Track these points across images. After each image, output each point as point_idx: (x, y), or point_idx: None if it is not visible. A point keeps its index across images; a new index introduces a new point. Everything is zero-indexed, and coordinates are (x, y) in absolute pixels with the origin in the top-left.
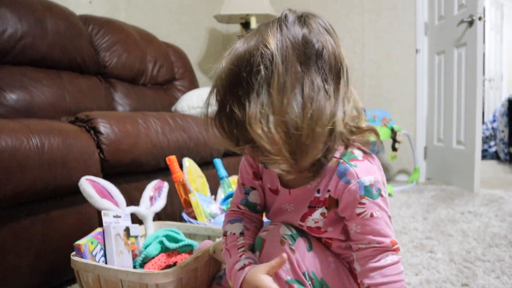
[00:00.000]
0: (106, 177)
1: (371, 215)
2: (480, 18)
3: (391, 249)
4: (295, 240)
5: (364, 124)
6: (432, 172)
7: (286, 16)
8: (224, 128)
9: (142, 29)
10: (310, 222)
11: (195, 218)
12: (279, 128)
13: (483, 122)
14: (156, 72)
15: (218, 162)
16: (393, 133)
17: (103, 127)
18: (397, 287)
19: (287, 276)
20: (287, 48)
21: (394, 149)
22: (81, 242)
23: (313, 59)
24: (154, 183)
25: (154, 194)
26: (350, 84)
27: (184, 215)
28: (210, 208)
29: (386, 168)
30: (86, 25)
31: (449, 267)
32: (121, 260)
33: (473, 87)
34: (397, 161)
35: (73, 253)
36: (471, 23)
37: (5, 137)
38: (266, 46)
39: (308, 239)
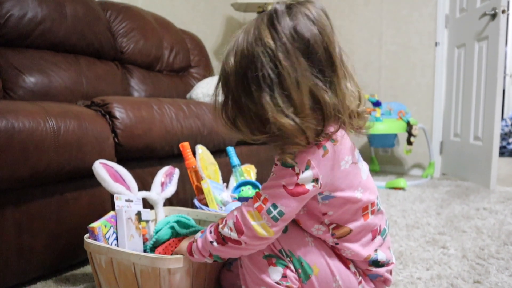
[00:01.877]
0: (120, 161)
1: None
2: (503, 11)
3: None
4: None
5: (361, 109)
6: (447, 168)
7: (276, 10)
8: (235, 122)
9: (159, 16)
10: None
11: (206, 205)
12: (298, 118)
13: (502, 118)
14: (172, 59)
15: (231, 150)
16: (409, 126)
17: (118, 112)
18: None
19: (264, 252)
20: (288, 46)
21: (409, 142)
22: (95, 224)
23: (306, 52)
24: (165, 169)
25: (165, 180)
26: (347, 71)
27: (196, 202)
28: (221, 196)
29: (400, 162)
30: (105, 11)
31: (462, 263)
32: (132, 244)
33: (493, 82)
34: (412, 155)
35: (87, 235)
36: (494, 16)
37: (22, 118)
38: (266, 44)
39: None
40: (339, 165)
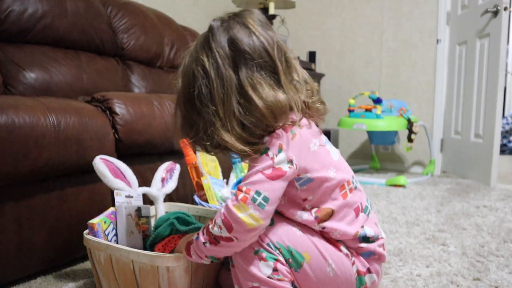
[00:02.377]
0: (120, 157)
1: None
2: (505, 9)
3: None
4: None
5: (313, 99)
6: (448, 165)
7: (211, 28)
8: (192, 139)
9: (160, 12)
10: None
11: (206, 201)
12: (234, 131)
13: (503, 116)
14: (173, 56)
15: None
16: (410, 123)
17: (119, 108)
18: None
19: (253, 248)
20: (219, 62)
21: (410, 140)
22: (95, 221)
23: (243, 60)
24: (166, 165)
25: (165, 176)
26: (295, 69)
27: (196, 198)
28: (221, 192)
29: (400, 159)
30: (105, 7)
31: (461, 261)
32: (131, 240)
33: (495, 79)
34: (413, 153)
35: (86, 231)
36: (495, 13)
37: (22, 114)
38: (203, 65)
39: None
40: (308, 147)
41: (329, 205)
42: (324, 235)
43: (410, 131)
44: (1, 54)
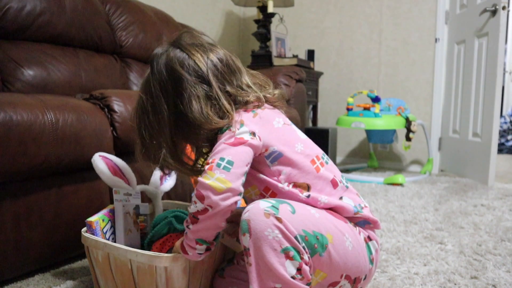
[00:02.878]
0: (118, 155)
1: None
2: (504, 8)
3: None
4: (278, 209)
5: (265, 93)
6: (446, 164)
7: (155, 55)
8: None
9: (158, 10)
10: None
11: None
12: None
13: (501, 115)
14: None
15: None
16: (408, 122)
17: (117, 105)
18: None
19: (281, 245)
20: (156, 89)
21: (408, 139)
22: (93, 219)
23: (181, 79)
24: None
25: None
26: (238, 75)
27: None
28: None
29: (399, 158)
30: (104, 4)
31: (459, 259)
32: (129, 239)
33: (493, 78)
34: (411, 151)
35: (84, 229)
36: (494, 12)
37: (20, 111)
38: (143, 92)
39: (288, 203)
40: (272, 124)
41: (304, 180)
42: (337, 210)
43: (408, 130)
44: None
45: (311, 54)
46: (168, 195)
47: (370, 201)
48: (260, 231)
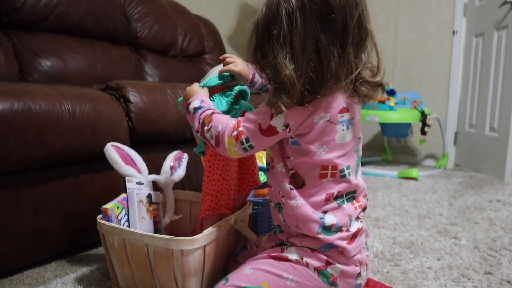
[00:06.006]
0: (133, 145)
1: None
2: None
3: None
4: None
5: (374, 79)
6: (461, 159)
7: None
8: (260, 65)
9: (173, 1)
10: None
11: None
12: (296, 77)
13: None
14: (186, 45)
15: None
16: (423, 116)
17: (133, 96)
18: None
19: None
20: (306, 6)
21: (423, 132)
22: (108, 206)
23: (324, 16)
24: (174, 154)
25: (174, 164)
26: (364, 41)
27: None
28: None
29: (413, 152)
30: None
31: (473, 254)
32: (143, 226)
33: None
34: (425, 145)
35: (99, 216)
36: None
37: (39, 101)
38: (289, 2)
39: (225, 278)
40: (313, 118)
41: (303, 176)
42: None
43: (424, 124)
44: (18, 42)
45: None
46: (182, 185)
47: (384, 195)
48: None
